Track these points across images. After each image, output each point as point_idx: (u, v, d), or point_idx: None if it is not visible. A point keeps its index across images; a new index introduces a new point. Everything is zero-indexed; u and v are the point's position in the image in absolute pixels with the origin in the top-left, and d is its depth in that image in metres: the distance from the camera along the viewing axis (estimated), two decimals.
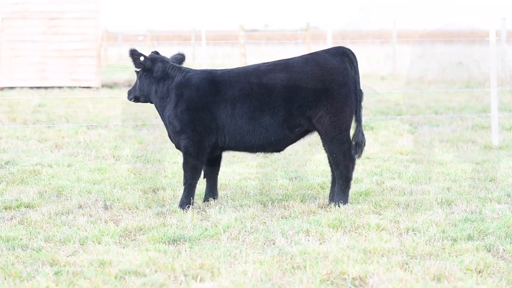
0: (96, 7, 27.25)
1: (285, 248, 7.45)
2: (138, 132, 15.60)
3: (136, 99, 9.55)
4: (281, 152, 9.50)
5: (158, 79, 9.35)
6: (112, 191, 10.05)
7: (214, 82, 9.18)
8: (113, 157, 12.72)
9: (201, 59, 36.97)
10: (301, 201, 9.50)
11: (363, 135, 9.32)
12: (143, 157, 12.64)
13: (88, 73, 27.25)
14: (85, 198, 9.66)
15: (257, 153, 9.54)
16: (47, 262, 7.10)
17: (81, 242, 7.77)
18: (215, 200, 9.52)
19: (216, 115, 9.12)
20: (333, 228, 8.22)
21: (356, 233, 8.10)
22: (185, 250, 7.44)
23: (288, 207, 9.21)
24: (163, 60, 9.45)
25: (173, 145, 9.50)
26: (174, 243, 7.75)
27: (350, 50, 9.28)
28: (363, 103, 9.33)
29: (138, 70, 9.46)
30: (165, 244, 7.68)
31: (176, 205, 9.26)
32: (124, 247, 7.61)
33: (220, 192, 9.95)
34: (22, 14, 26.92)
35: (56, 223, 8.49)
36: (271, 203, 9.37)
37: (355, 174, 10.83)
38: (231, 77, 9.20)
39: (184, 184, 9.21)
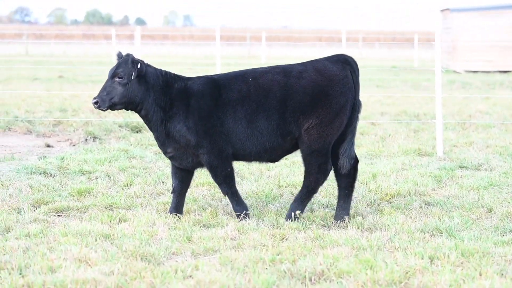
0: None
1: None
2: None
3: (112, 107, 8.61)
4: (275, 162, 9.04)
5: (154, 85, 8.71)
6: None
7: (216, 86, 8.72)
8: None
9: None
10: None
11: (353, 146, 8.85)
12: None
13: None
14: None
15: (253, 162, 9.04)
16: None
17: None
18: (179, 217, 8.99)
19: (223, 120, 8.67)
20: None
21: None
22: None
23: None
24: (148, 64, 8.80)
25: (162, 152, 8.96)
26: None
27: (352, 58, 8.87)
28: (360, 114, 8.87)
29: (122, 76, 8.60)
30: None
31: None
32: None
33: None
34: None
35: None
36: None
37: None
38: (229, 80, 8.75)
39: (227, 194, 8.85)
